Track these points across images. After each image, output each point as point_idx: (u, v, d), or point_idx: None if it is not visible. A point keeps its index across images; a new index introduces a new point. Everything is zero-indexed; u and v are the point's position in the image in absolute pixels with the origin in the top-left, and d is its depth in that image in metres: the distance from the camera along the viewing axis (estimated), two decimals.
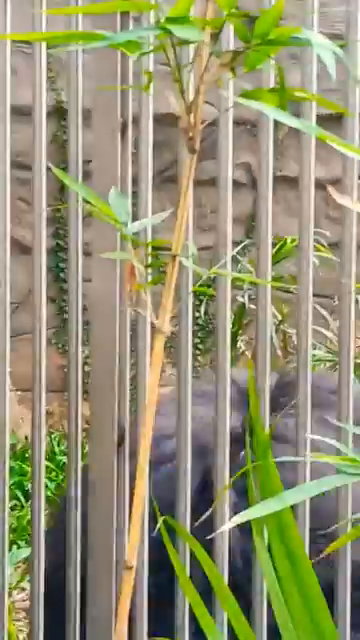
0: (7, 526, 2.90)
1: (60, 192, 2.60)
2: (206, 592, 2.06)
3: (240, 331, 4.00)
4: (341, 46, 1.96)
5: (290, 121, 1.78)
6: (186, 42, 1.80)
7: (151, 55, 2.19)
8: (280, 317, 4.00)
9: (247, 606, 2.48)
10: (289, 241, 3.63)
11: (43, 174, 2.75)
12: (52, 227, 3.22)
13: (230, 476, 2.59)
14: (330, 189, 1.98)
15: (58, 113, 2.92)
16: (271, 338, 2.66)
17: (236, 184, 2.63)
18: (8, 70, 2.77)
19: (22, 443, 6.43)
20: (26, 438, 5.64)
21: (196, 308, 3.28)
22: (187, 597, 2.33)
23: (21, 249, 2.85)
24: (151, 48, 1.82)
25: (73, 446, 2.77)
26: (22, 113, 2.81)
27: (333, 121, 2.29)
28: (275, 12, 1.78)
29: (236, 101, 1.95)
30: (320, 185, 2.48)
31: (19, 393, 2.81)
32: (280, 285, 3.18)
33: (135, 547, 1.91)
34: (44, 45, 2.74)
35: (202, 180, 2.03)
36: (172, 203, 1.94)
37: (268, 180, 2.57)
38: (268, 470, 1.94)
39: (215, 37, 1.79)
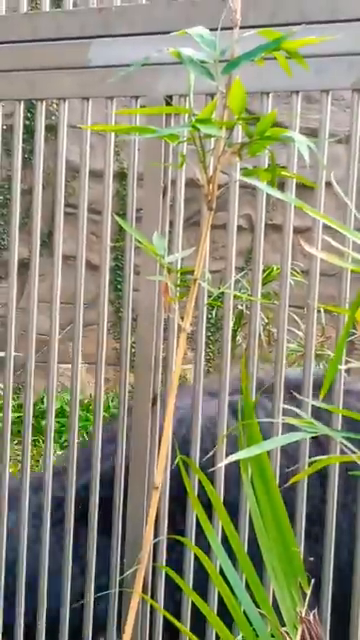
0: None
1: (120, 231, 2.65)
2: (208, 507, 2.08)
3: (239, 329, 3.99)
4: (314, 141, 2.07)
5: (276, 193, 1.86)
6: (209, 136, 1.82)
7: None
8: (266, 320, 3.98)
9: (236, 518, 2.46)
10: (275, 269, 3.64)
11: (109, 218, 2.75)
12: (114, 253, 3.20)
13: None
14: (301, 241, 1.94)
15: (120, 176, 2.93)
16: (259, 335, 2.67)
17: (240, 229, 2.61)
18: (88, 148, 2.80)
19: (87, 399, 6.54)
20: (90, 395, 5.58)
21: (209, 312, 3.28)
22: (195, 509, 2.25)
23: (92, 267, 2.90)
24: (185, 139, 1.85)
25: (123, 402, 2.78)
26: (96, 175, 2.78)
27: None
28: (269, 118, 1.85)
29: (240, 178, 2.09)
30: (297, 230, 2.43)
31: (87, 365, 2.82)
32: (267, 300, 3.19)
33: (161, 473, 2.03)
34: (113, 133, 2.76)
35: (216, 225, 2.09)
36: (195, 241, 1.90)
37: (261, 226, 2.53)
38: (252, 427, 1.95)
39: (229, 133, 1.84)
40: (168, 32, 2.17)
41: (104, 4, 2.79)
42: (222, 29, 1.83)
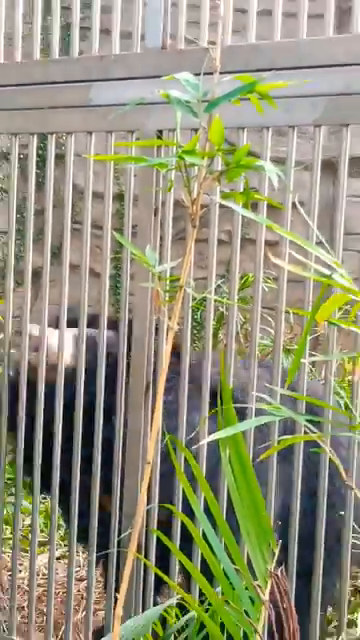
0: None
1: (118, 245, 2.62)
2: (193, 480, 2.10)
3: (220, 328, 3.94)
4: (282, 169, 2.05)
5: (248, 214, 1.83)
6: (193, 164, 1.81)
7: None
8: (243, 320, 3.94)
9: (216, 488, 2.41)
10: (250, 277, 3.62)
11: (109, 233, 2.75)
12: (113, 263, 3.20)
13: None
14: (269, 254, 1.92)
15: (119, 198, 2.93)
16: (237, 333, 2.68)
17: (220, 242, 2.59)
18: (91, 174, 2.78)
19: None
20: None
21: (194, 314, 3.27)
22: (180, 482, 2.30)
23: (95, 275, 2.88)
24: (173, 167, 1.82)
25: (120, 388, 2.74)
26: (98, 197, 2.78)
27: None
28: (244, 150, 1.83)
29: (219, 200, 2.07)
30: (268, 244, 2.43)
31: None
32: (243, 303, 3.20)
33: (152, 451, 2.00)
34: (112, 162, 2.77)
35: (200, 239, 2.08)
36: (182, 254, 1.89)
37: (238, 240, 2.53)
38: (229, 411, 1.94)
39: (210, 162, 1.82)
40: (159, 76, 2.14)
41: (104, 52, 2.77)
42: (204, 74, 1.82)
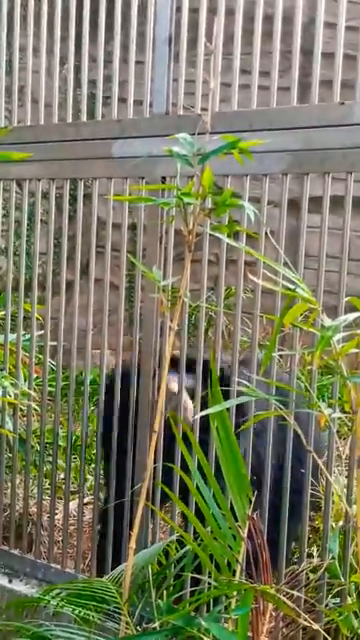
0: None
1: (132, 264, 2.62)
2: (189, 446, 2.05)
3: (210, 328, 3.97)
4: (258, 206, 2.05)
5: (232, 242, 1.87)
6: (189, 203, 1.83)
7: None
8: (227, 322, 3.97)
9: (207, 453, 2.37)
10: (233, 289, 3.58)
11: (124, 255, 2.73)
12: (128, 278, 3.17)
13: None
14: (248, 273, 2.04)
15: (132, 227, 2.93)
16: (222, 332, 2.61)
17: (210, 262, 2.57)
18: (111, 209, 2.76)
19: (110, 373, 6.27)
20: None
21: (190, 317, 3.23)
22: (180, 448, 2.20)
23: (114, 287, 2.87)
24: (174, 205, 1.84)
25: (134, 374, 2.70)
26: (116, 226, 2.75)
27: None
28: (228, 192, 1.86)
29: (209, 231, 2.06)
30: (247, 263, 2.40)
31: (110, 350, 2.82)
32: (227, 309, 3.20)
33: (159, 419, 1.94)
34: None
35: (195, 259, 2.08)
36: (181, 271, 1.90)
37: (224, 261, 2.52)
38: (216, 393, 1.94)
39: (202, 201, 1.84)
40: (164, 136, 2.21)
41: (122, 116, 2.76)
42: (198, 134, 1.85)
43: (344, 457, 3.23)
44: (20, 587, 2.97)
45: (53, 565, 2.98)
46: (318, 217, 2.30)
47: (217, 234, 1.89)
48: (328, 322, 1.64)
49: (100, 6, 2.78)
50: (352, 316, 1.61)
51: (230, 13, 2.45)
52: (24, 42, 3.00)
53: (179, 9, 2.56)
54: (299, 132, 2.29)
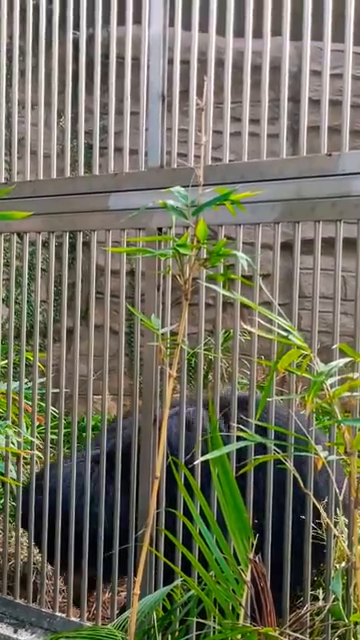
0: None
1: (130, 313, 2.64)
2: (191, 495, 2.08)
3: (209, 371, 3.97)
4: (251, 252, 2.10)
5: (225, 292, 1.92)
6: (185, 254, 1.88)
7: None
8: (227, 364, 3.95)
9: (208, 495, 2.36)
10: (231, 332, 3.58)
11: (123, 301, 2.75)
12: (127, 323, 3.16)
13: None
14: (242, 323, 2.06)
15: (131, 274, 2.95)
16: (222, 374, 2.69)
17: (207, 305, 2.58)
18: (109, 259, 2.76)
19: (112, 418, 6.16)
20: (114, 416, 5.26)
21: (189, 361, 3.22)
22: (182, 493, 2.18)
23: (114, 332, 2.91)
24: (170, 256, 1.89)
25: (135, 419, 2.70)
26: (116, 273, 2.76)
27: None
28: (222, 243, 1.92)
29: (205, 282, 2.11)
30: (242, 306, 2.33)
31: (111, 396, 2.80)
32: (225, 352, 3.18)
33: (159, 465, 1.96)
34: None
35: (193, 303, 2.14)
36: (179, 315, 1.94)
37: (220, 304, 2.52)
38: (216, 438, 1.98)
39: (197, 251, 1.90)
40: (158, 189, 2.26)
41: (118, 166, 2.81)
42: (192, 186, 1.90)
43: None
44: (26, 637, 2.96)
45: (58, 614, 2.98)
46: (311, 259, 2.34)
47: (212, 285, 1.96)
48: (321, 367, 1.70)
49: (95, 59, 2.84)
50: (342, 361, 1.67)
51: (219, 64, 2.51)
52: (22, 97, 3.08)
53: (171, 61, 2.62)
54: (289, 182, 2.33)
